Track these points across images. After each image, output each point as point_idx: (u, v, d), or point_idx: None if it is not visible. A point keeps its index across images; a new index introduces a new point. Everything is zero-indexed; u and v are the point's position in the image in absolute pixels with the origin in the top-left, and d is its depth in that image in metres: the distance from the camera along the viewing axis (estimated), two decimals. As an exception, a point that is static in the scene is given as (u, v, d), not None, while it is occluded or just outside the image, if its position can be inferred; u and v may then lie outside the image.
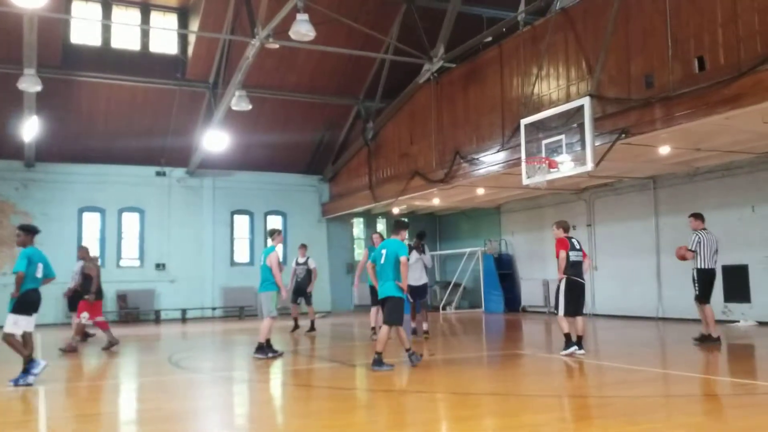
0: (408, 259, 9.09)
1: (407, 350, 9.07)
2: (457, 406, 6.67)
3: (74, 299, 13.71)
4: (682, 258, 10.97)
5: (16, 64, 15.60)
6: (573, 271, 9.82)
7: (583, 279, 9.93)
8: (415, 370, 9.13)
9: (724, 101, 9.86)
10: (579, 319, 9.84)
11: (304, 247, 15.22)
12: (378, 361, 8.78)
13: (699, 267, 10.81)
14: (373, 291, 12.85)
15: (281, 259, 11.50)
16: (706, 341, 10.66)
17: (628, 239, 17.17)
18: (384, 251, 9.01)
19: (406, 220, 9.94)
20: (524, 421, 5.79)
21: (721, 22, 10.29)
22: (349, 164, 22.69)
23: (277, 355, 10.32)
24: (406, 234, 9.40)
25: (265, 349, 10.31)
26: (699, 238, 10.83)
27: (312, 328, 14.58)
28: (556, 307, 9.96)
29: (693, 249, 10.78)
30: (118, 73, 18.85)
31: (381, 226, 25.23)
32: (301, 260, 14.85)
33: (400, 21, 18.37)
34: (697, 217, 11.15)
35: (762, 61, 9.39)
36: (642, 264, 16.63)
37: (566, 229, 10.11)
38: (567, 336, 9.75)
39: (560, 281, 9.91)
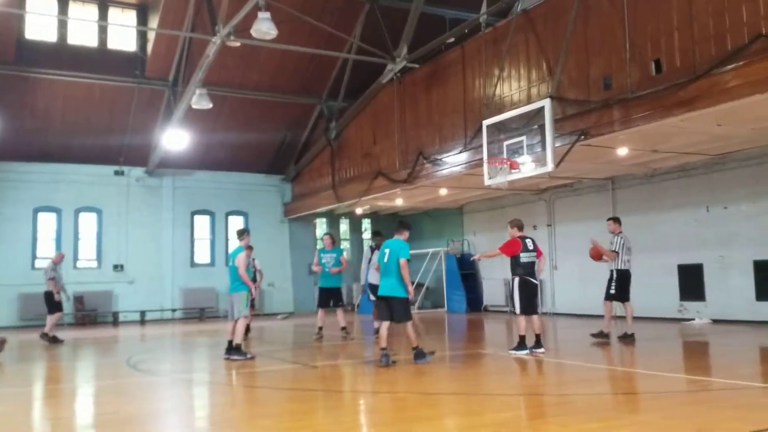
0: (408, 261, 9.24)
1: (383, 349, 9.08)
2: (420, 406, 6.68)
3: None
4: (598, 258, 11.36)
5: (-33, 59, 15.15)
6: (525, 270, 9.93)
7: (535, 279, 10.04)
8: (378, 371, 9.12)
9: (680, 104, 10.08)
10: (535, 318, 9.96)
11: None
12: (420, 354, 9.05)
13: (619, 268, 11.28)
14: (322, 292, 12.90)
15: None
16: (602, 336, 11.21)
17: (588, 239, 17.37)
18: (387, 250, 9.15)
19: (406, 221, 10.04)
20: (486, 420, 5.82)
21: (677, 26, 10.52)
22: (311, 164, 22.59)
23: (244, 358, 10.14)
24: (407, 234, 9.52)
25: (242, 350, 10.16)
26: (621, 240, 11.32)
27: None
28: (514, 306, 10.09)
29: (616, 250, 11.24)
30: (75, 70, 18.43)
31: (344, 226, 25.19)
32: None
33: (363, 20, 18.36)
34: (616, 220, 11.68)
35: (717, 64, 9.62)
36: (601, 264, 16.84)
37: (520, 228, 10.22)
38: (521, 338, 9.87)
39: (514, 280, 10.03)
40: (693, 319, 14.56)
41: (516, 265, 9.95)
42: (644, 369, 8.47)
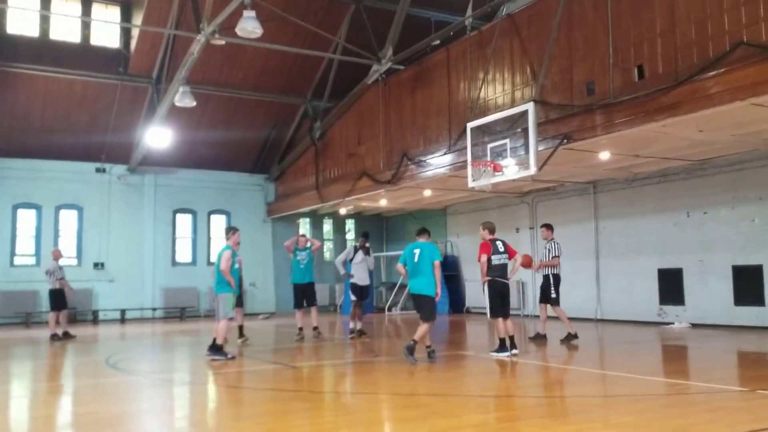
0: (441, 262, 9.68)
1: (428, 347, 9.49)
2: (401, 406, 6.69)
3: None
4: (529, 266, 11.57)
5: (-53, 53, 14.94)
6: (497, 273, 9.99)
7: (507, 280, 10.10)
8: (359, 371, 9.13)
9: (661, 109, 10.18)
10: (508, 321, 10.02)
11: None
12: (433, 353, 9.45)
13: (555, 273, 11.84)
14: (296, 290, 12.93)
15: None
16: (571, 338, 11.70)
17: (569, 242, 17.48)
18: (417, 251, 9.50)
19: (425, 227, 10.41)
20: (466, 422, 5.84)
21: (659, 32, 10.63)
22: (295, 164, 22.54)
23: (225, 358, 10.08)
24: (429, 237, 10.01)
25: (223, 350, 10.10)
26: (558, 246, 11.85)
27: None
28: (487, 309, 10.18)
29: (558, 255, 11.78)
30: (57, 66, 18.25)
31: (328, 226, 25.16)
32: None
33: (348, 21, 18.35)
34: (549, 227, 12.17)
35: (698, 70, 9.73)
36: (582, 266, 17.01)
37: (492, 231, 10.29)
38: (501, 340, 9.92)
39: (484, 284, 10.09)
40: (672, 323, 14.70)
41: (488, 268, 10.00)
42: (623, 372, 8.54)
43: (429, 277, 9.36)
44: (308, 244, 13.32)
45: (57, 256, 14.69)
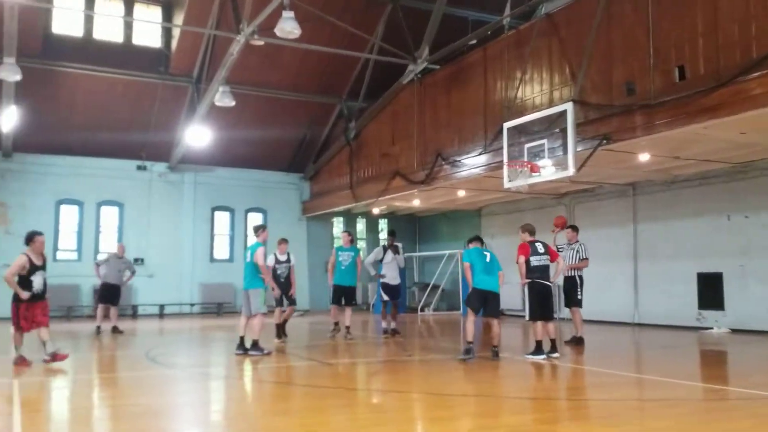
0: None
1: (494, 346, 9.72)
2: (435, 406, 6.70)
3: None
4: (578, 268, 11.52)
5: (-5, 52, 15.38)
6: (537, 274, 9.94)
7: (549, 282, 10.02)
8: (393, 370, 9.17)
9: (703, 111, 10.00)
10: (549, 323, 9.95)
11: (284, 242, 12.64)
12: (497, 353, 9.66)
13: (581, 275, 11.65)
14: (336, 290, 12.91)
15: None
16: (579, 342, 11.51)
17: (607, 245, 17.30)
18: (488, 254, 9.95)
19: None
20: (501, 423, 5.83)
21: (701, 32, 10.45)
22: (330, 163, 22.67)
23: (261, 353, 10.21)
24: None
25: (259, 345, 10.24)
26: (585, 247, 11.69)
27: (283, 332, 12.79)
28: (528, 311, 10.12)
29: (587, 257, 11.61)
30: (100, 65, 18.63)
31: (361, 226, 25.26)
32: (282, 257, 12.55)
33: (385, 21, 18.39)
34: (575, 229, 12.07)
35: (741, 71, 9.54)
36: (619, 270, 16.79)
37: (532, 233, 10.25)
38: (538, 343, 9.85)
39: (524, 286, 10.05)
40: (711, 328, 14.43)
41: (527, 270, 9.95)
42: (661, 376, 8.43)
43: (497, 279, 9.79)
44: (352, 245, 13.20)
45: (121, 251, 15.47)
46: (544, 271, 9.96)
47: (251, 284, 10.40)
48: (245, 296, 10.49)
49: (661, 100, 10.71)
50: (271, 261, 11.84)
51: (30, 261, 9.20)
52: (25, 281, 9.13)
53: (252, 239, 21.74)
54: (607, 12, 11.96)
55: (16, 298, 9.11)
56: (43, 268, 9.34)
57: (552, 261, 10.07)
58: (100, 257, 16.51)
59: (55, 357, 9.22)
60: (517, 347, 11.59)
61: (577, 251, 11.73)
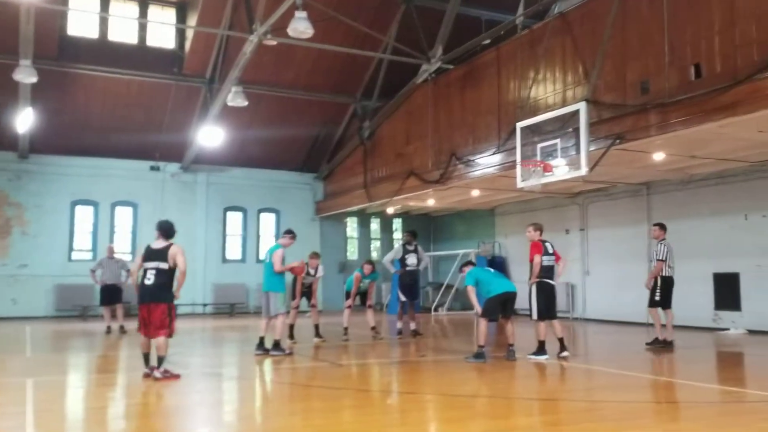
0: None
1: (510, 345, 9.73)
2: (447, 407, 6.67)
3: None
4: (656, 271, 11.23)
5: (12, 54, 15.51)
6: (544, 274, 9.89)
7: (554, 281, 10.01)
8: (404, 371, 9.14)
9: (719, 109, 9.88)
10: (555, 322, 9.89)
11: (317, 256, 12.91)
12: (512, 353, 9.68)
13: (664, 275, 11.22)
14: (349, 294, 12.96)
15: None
16: (665, 345, 11.09)
17: (621, 244, 17.20)
18: (491, 269, 10.20)
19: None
20: (514, 424, 5.79)
21: (717, 30, 10.33)
22: (344, 163, 22.67)
23: (282, 353, 10.23)
24: None
25: (280, 346, 10.26)
26: (665, 247, 11.26)
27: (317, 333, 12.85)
28: (531, 312, 10.00)
29: (664, 258, 11.17)
30: (115, 66, 18.73)
31: (375, 225, 25.23)
32: (312, 271, 12.67)
33: (398, 21, 18.35)
34: (662, 227, 11.56)
35: (759, 69, 9.42)
36: (634, 269, 16.61)
37: (541, 231, 10.22)
38: (541, 343, 9.79)
39: (531, 285, 9.97)
40: (728, 329, 14.26)
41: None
42: (676, 378, 8.34)
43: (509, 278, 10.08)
44: (373, 272, 12.96)
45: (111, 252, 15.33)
46: (550, 270, 9.95)
47: (271, 287, 10.35)
48: (264, 297, 10.47)
49: (677, 99, 10.59)
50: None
51: None
52: None
53: (267, 241, 21.71)
54: (622, 10, 11.86)
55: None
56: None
57: (556, 262, 10.06)
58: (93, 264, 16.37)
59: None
60: (531, 348, 11.50)
61: (657, 251, 11.30)
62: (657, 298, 11.22)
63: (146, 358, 8.17)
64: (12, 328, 15.71)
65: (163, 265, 8.17)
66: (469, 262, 10.44)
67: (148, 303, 8.22)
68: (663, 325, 11.33)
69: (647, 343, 11.27)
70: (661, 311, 11.34)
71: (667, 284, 11.23)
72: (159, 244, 8.23)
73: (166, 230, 8.51)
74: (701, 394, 7.29)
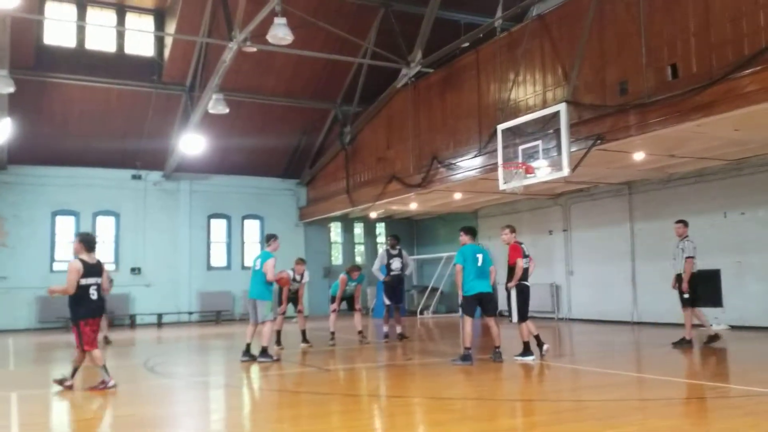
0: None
1: (496, 347, 9.72)
2: (434, 410, 6.69)
3: None
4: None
5: (-12, 65, 15.35)
6: (522, 276, 9.99)
7: (528, 282, 10.11)
8: (392, 375, 9.15)
9: (696, 108, 10.02)
10: (529, 322, 9.99)
11: (302, 262, 12.76)
12: (499, 354, 9.68)
13: (693, 272, 11.10)
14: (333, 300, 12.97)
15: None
16: (684, 344, 11.08)
17: (604, 244, 17.35)
18: (480, 256, 9.76)
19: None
20: (500, 426, 5.82)
21: (693, 31, 10.48)
22: (326, 168, 22.67)
23: (270, 360, 10.22)
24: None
25: (268, 352, 10.24)
26: (691, 244, 11.15)
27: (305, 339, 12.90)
28: (512, 314, 10.05)
29: (692, 255, 11.05)
30: (93, 75, 18.63)
31: (358, 230, 25.26)
32: (298, 277, 12.53)
33: (377, 26, 18.40)
34: (684, 223, 11.41)
35: (733, 69, 9.57)
36: (617, 269, 16.81)
37: (515, 233, 10.32)
38: (525, 344, 9.87)
39: (511, 288, 10.02)
40: (710, 325, 14.41)
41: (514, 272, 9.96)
42: (659, 375, 8.42)
43: (489, 278, 9.83)
44: (359, 276, 13.03)
45: None
46: (526, 272, 10.06)
47: (259, 294, 10.35)
48: (252, 304, 10.46)
49: (655, 99, 10.73)
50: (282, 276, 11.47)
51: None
52: None
53: (252, 247, 21.61)
54: (599, 11, 11.98)
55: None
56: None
57: (530, 263, 10.20)
58: None
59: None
60: (515, 348, 11.56)
61: (683, 249, 11.14)
62: (686, 295, 11.12)
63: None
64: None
65: (99, 281, 8.16)
66: (470, 230, 10.19)
67: (100, 316, 8.30)
68: (694, 325, 11.31)
69: (673, 343, 11.25)
70: (691, 310, 11.22)
71: (697, 281, 11.14)
72: (92, 258, 8.14)
73: (93, 243, 8.32)
74: (687, 391, 7.37)
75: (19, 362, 11.88)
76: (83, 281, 7.96)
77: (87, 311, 8.04)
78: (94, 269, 8.12)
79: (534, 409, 6.75)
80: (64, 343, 15.01)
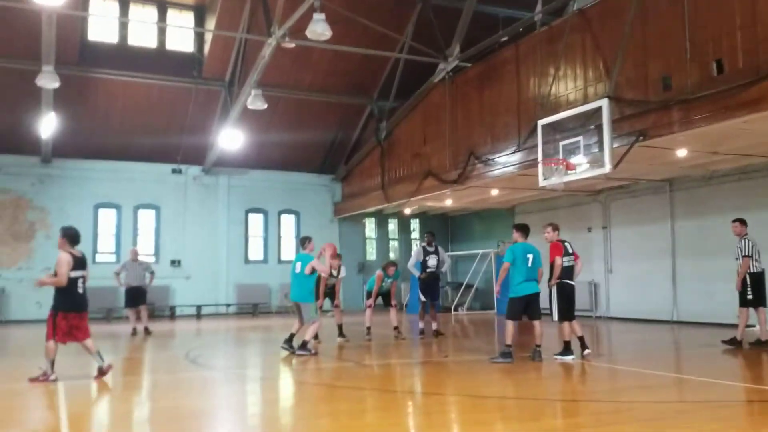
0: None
1: (537, 346, 9.60)
2: (473, 409, 6.66)
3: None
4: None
5: (34, 60, 15.74)
6: (564, 275, 9.83)
7: (573, 281, 9.93)
8: (428, 372, 9.14)
9: (742, 105, 9.79)
10: (574, 322, 9.85)
11: (339, 256, 12.71)
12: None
13: (752, 272, 10.92)
14: (370, 294, 12.96)
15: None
16: (735, 344, 10.92)
17: (644, 242, 17.07)
18: (531, 256, 9.60)
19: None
20: (542, 426, 5.77)
21: (739, 25, 10.22)
22: (361, 164, 22.71)
23: (308, 354, 10.33)
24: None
25: (307, 347, 10.35)
26: (750, 242, 10.93)
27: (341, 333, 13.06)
28: (553, 313, 9.95)
29: (749, 254, 10.85)
30: (135, 71, 18.95)
31: (392, 226, 25.29)
32: (335, 272, 12.54)
33: (415, 20, 18.35)
34: (742, 222, 11.17)
35: (782, 64, 9.31)
36: (657, 267, 16.52)
37: (558, 231, 10.16)
38: (566, 343, 9.75)
39: (552, 287, 9.91)
40: (753, 326, 14.08)
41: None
42: (702, 377, 8.27)
43: (537, 280, 9.66)
44: (395, 272, 13.01)
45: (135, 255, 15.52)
46: (570, 271, 9.89)
47: (302, 297, 10.44)
48: (296, 307, 10.61)
49: (699, 95, 10.51)
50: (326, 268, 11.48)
51: None
52: None
53: (288, 242, 21.74)
54: (642, 5, 11.76)
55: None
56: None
57: (575, 261, 10.00)
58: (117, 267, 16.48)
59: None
60: (555, 348, 11.45)
61: (740, 248, 10.99)
62: (749, 297, 10.88)
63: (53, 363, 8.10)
64: (38, 331, 15.89)
65: (85, 273, 8.25)
66: (523, 228, 10.03)
67: (84, 312, 8.30)
68: (748, 326, 11.08)
69: (723, 341, 11.07)
70: (752, 311, 10.97)
71: (758, 281, 10.90)
72: (77, 252, 8.25)
73: (77, 237, 8.44)
74: (730, 393, 7.23)
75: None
76: (72, 274, 8.05)
77: (72, 305, 8.10)
78: (80, 262, 8.22)
79: (574, 409, 6.68)
80: (106, 333, 15.36)
